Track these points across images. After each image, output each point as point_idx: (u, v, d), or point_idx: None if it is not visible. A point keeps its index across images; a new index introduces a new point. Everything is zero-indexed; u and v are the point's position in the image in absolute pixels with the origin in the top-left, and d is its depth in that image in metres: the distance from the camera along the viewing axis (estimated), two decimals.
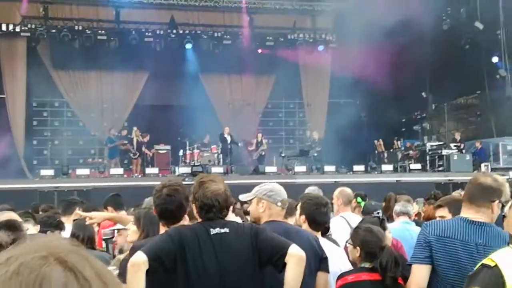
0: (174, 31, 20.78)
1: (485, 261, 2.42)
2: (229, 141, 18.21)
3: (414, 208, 6.08)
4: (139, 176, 17.13)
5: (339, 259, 3.76)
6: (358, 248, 3.46)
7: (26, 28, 19.40)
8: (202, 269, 2.90)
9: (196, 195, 3.08)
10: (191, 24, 21.19)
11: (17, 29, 19.31)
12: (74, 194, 10.08)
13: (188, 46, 20.38)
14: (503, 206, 3.20)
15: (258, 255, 2.98)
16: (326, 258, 3.48)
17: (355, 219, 5.21)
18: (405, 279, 3.22)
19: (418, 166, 18.31)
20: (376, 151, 21.21)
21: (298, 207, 4.00)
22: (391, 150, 20.80)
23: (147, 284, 2.75)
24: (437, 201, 5.02)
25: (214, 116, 21.20)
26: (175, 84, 20.71)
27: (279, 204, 3.55)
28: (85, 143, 21.41)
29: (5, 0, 19.36)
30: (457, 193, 6.66)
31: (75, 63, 19.85)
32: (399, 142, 20.95)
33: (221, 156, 18.13)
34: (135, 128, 18.37)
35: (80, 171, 16.84)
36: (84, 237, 4.46)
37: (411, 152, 19.59)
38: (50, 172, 16.55)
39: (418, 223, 5.11)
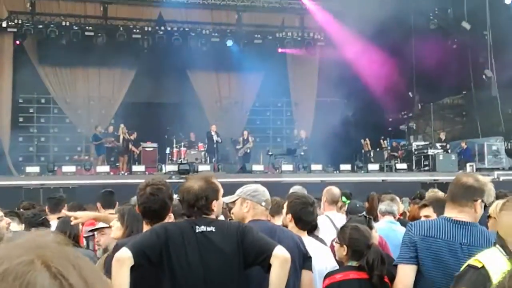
0: (162, 28, 20.68)
1: (472, 261, 2.42)
2: (215, 140, 18.19)
3: (400, 207, 6.11)
4: (126, 174, 17.07)
5: (325, 258, 3.78)
6: (345, 246, 3.48)
7: (13, 23, 19.20)
8: (186, 266, 2.90)
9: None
10: (179, 21, 21.12)
11: (4, 24, 19.07)
12: (60, 192, 9.97)
13: (177, 43, 20.29)
14: (486, 207, 3.23)
15: (244, 255, 2.99)
16: (310, 257, 3.50)
17: (340, 218, 5.25)
18: (392, 277, 3.24)
19: (404, 165, 18.37)
20: (362, 150, 21.23)
21: (285, 206, 4.02)
22: (378, 150, 20.84)
23: (132, 279, 2.75)
24: (422, 201, 5.06)
25: (202, 114, 21.13)
26: (163, 81, 20.60)
27: (263, 204, 3.57)
28: (71, 140, 21.22)
29: None
30: (432, 192, 6.74)
31: (62, 59, 19.68)
32: (385, 141, 21.02)
33: (207, 154, 18.13)
34: (122, 125, 18.29)
35: (66, 168, 16.68)
36: (70, 234, 4.42)
37: (397, 151, 19.69)
38: (36, 169, 16.38)
39: (403, 223, 5.14)
